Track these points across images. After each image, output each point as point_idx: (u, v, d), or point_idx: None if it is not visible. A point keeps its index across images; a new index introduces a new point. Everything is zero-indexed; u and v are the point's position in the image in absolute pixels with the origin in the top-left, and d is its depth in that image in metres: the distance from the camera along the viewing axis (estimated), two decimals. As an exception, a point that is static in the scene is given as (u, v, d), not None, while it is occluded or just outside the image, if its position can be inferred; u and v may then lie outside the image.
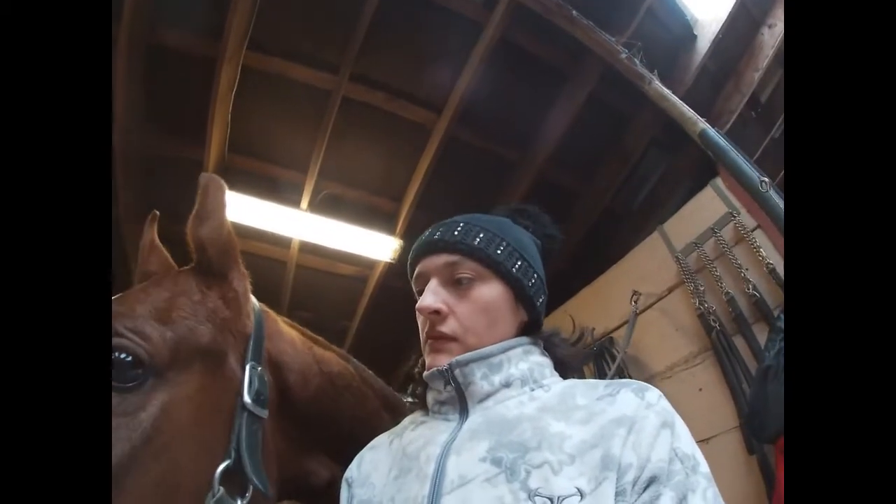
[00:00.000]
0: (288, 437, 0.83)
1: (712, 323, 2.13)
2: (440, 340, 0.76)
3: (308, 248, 3.33)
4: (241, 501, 0.67)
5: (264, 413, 0.74)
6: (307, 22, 2.59)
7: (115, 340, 0.64)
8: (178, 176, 2.93)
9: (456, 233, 0.79)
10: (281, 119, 2.93)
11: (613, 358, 2.49)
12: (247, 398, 0.71)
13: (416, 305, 0.77)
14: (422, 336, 0.79)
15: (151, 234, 0.95)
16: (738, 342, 2.05)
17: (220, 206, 0.79)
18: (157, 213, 0.97)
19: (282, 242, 3.28)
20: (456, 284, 0.77)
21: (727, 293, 2.12)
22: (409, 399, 0.94)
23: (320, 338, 0.99)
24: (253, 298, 0.85)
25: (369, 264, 3.46)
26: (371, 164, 3.19)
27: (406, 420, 0.84)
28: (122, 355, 0.63)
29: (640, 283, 2.52)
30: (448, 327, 0.75)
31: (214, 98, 2.58)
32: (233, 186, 2.86)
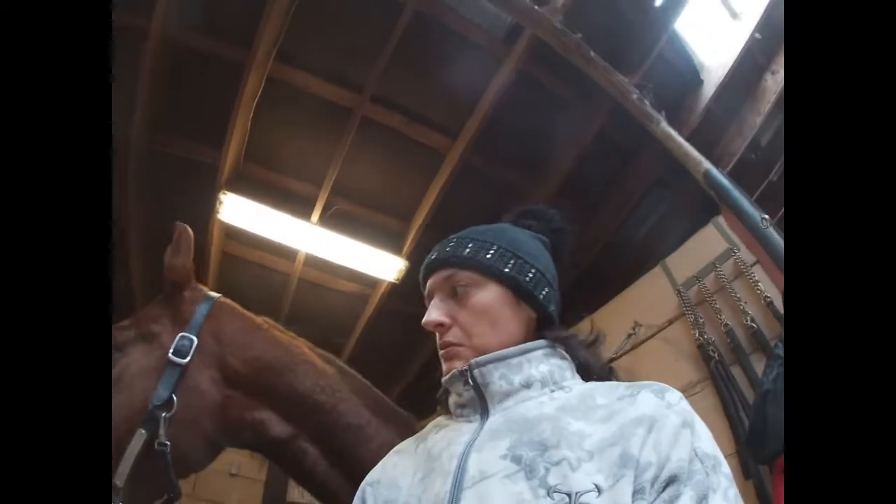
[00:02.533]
0: (235, 385, 1.07)
1: (711, 353, 2.18)
2: (450, 347, 0.81)
3: (312, 262, 3.36)
4: (166, 414, 0.98)
5: (182, 361, 1.04)
6: (335, 39, 2.71)
7: None
8: (190, 177, 2.99)
9: (448, 248, 0.86)
10: (299, 132, 3.02)
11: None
12: (170, 354, 1.04)
13: (422, 322, 0.83)
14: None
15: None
16: (736, 372, 2.09)
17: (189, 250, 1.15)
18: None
19: (287, 254, 3.31)
20: (455, 296, 0.82)
21: (726, 325, 2.18)
22: (416, 421, 1.06)
23: (307, 341, 1.20)
24: (211, 296, 1.16)
25: (371, 283, 3.49)
26: (384, 184, 3.26)
27: (430, 425, 0.86)
28: None
29: (641, 314, 2.58)
30: (453, 336, 0.81)
31: (237, 104, 2.66)
32: (245, 193, 2.92)
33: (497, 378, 0.77)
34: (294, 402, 1.08)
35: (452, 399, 0.82)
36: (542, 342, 0.82)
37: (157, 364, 1.03)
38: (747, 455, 1.89)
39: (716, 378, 2.14)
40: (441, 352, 0.82)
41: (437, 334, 0.82)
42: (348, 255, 3.24)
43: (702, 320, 2.29)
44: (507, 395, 0.76)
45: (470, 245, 0.84)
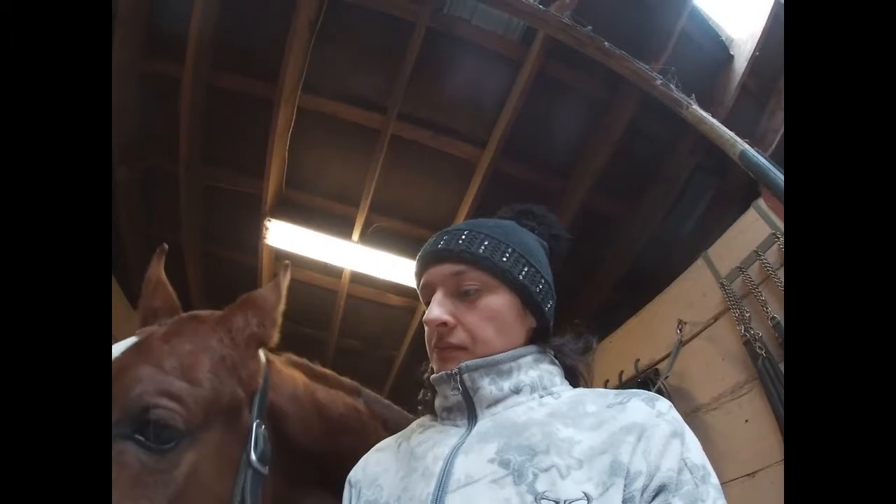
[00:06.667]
0: (285, 474, 0.87)
1: (758, 350, 2.00)
2: (449, 350, 0.76)
3: (358, 279, 3.48)
4: None
5: (265, 470, 0.80)
6: (355, 65, 2.81)
7: (155, 412, 0.69)
8: (237, 207, 3.22)
9: (461, 241, 0.78)
10: (334, 156, 3.16)
11: (658, 390, 2.38)
12: (253, 457, 0.77)
13: (423, 318, 0.77)
14: (429, 347, 0.79)
15: (158, 270, 0.97)
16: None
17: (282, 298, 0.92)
18: (166, 246, 1.01)
19: (333, 272, 3.45)
20: (463, 295, 0.77)
21: (773, 318, 1.99)
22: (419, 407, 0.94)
23: (330, 373, 1.03)
24: (262, 356, 0.90)
25: (416, 295, 3.54)
26: (419, 197, 3.32)
27: (414, 423, 0.84)
28: (162, 421, 0.69)
29: (685, 311, 2.42)
30: (456, 338, 0.76)
31: (273, 136, 2.83)
32: (289, 218, 3.09)
33: (487, 384, 0.74)
34: (342, 475, 0.90)
35: (439, 401, 0.79)
36: (532, 347, 0.79)
37: (232, 463, 0.76)
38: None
39: (763, 377, 1.96)
40: (436, 353, 0.77)
41: (436, 334, 0.77)
42: (391, 269, 3.32)
43: (748, 314, 2.11)
44: (497, 400, 0.74)
45: (486, 242, 0.78)
